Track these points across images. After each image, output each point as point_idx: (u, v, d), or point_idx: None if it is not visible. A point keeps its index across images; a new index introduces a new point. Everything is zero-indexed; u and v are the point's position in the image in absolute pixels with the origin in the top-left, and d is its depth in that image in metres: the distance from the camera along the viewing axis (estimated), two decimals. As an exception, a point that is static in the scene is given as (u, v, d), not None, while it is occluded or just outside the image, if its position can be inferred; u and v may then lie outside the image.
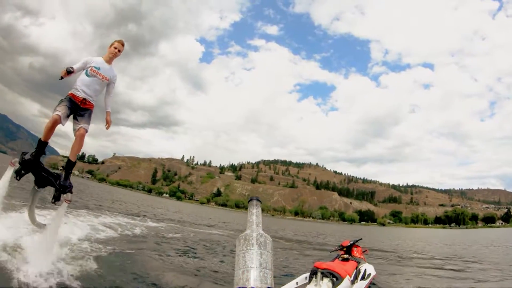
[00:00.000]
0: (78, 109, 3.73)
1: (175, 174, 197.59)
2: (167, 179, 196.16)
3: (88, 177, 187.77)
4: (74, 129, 3.72)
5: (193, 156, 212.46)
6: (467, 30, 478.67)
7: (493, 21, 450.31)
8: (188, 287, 2.69)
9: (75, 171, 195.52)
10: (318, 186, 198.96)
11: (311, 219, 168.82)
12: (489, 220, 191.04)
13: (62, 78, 3.57)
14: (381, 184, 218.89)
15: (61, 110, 3.53)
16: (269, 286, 0.92)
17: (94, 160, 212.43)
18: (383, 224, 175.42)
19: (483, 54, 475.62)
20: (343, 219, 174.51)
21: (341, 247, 4.82)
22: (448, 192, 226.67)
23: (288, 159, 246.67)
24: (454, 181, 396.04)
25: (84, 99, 3.75)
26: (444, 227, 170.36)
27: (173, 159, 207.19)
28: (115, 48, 3.98)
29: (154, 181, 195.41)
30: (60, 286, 2.22)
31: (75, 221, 4.90)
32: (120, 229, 4.81)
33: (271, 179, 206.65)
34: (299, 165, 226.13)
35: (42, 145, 3.59)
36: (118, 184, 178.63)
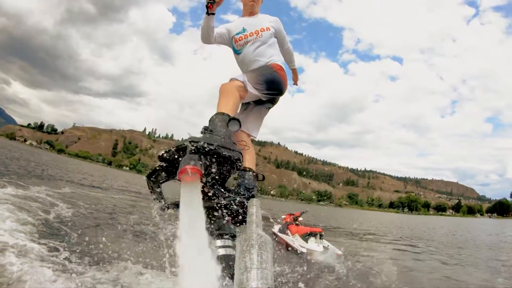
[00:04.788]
0: None
1: (136, 147, 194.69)
2: (127, 152, 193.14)
3: (47, 148, 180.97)
4: None
5: (155, 129, 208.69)
6: (439, 31, 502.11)
7: (467, 26, 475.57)
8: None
9: (32, 142, 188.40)
10: (278, 165, 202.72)
11: (269, 197, 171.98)
12: (440, 209, 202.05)
13: None
14: (340, 167, 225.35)
15: None
16: (269, 286, 0.93)
17: (53, 130, 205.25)
18: (340, 206, 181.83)
19: (452, 56, 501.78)
20: (301, 199, 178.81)
21: (295, 217, 6.65)
22: (404, 180, 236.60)
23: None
24: (411, 169, 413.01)
25: None
26: (397, 212, 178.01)
27: (134, 131, 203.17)
28: None
29: (114, 153, 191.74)
30: None
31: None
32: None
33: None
34: (261, 143, 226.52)
35: None
36: (77, 155, 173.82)
